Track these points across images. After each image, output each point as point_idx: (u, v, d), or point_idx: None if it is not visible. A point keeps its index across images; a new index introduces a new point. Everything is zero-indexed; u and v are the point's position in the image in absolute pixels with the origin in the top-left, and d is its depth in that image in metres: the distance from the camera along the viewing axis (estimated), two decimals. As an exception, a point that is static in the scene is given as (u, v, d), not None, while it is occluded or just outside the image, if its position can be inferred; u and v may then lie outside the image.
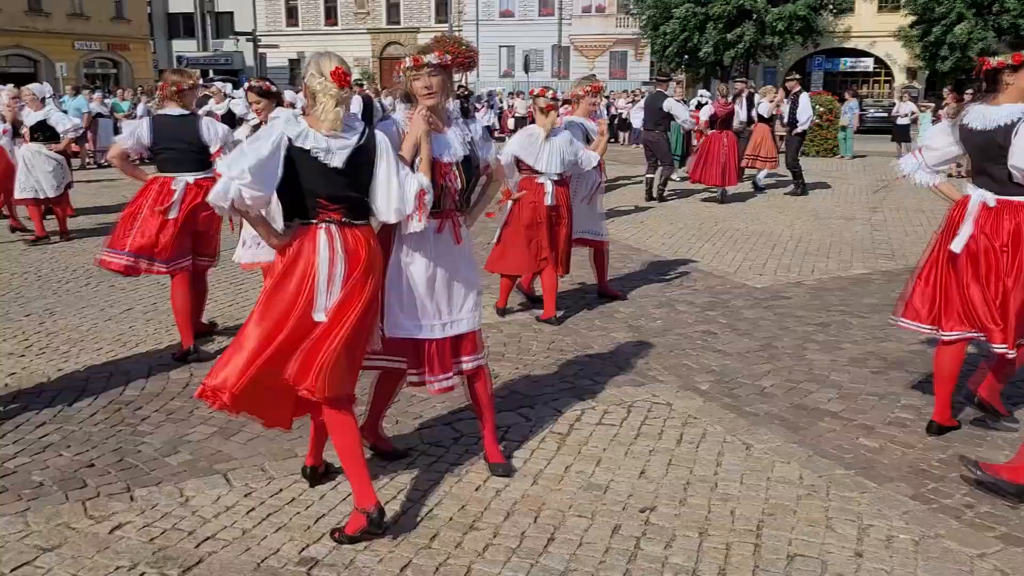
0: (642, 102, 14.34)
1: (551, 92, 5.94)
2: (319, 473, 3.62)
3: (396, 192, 3.12)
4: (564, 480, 3.67)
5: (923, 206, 11.75)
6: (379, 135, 3.18)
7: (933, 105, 20.16)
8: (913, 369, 5.04)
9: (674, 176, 13.86)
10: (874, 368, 5.11)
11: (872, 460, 3.86)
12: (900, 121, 19.87)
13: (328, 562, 3.02)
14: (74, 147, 17.42)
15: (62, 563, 2.99)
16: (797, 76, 14.74)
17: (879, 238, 9.58)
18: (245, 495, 3.50)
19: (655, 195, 12.58)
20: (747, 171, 14.22)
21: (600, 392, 4.71)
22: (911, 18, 34.12)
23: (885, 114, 26.50)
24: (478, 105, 27.02)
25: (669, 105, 12.28)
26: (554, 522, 3.32)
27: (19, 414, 4.35)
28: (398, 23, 47.40)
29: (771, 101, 13.84)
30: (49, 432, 4.13)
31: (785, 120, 13.73)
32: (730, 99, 13.17)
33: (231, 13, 47.98)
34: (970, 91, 17.33)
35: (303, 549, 3.10)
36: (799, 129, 13.54)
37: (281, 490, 3.55)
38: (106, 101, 18.72)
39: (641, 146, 15.00)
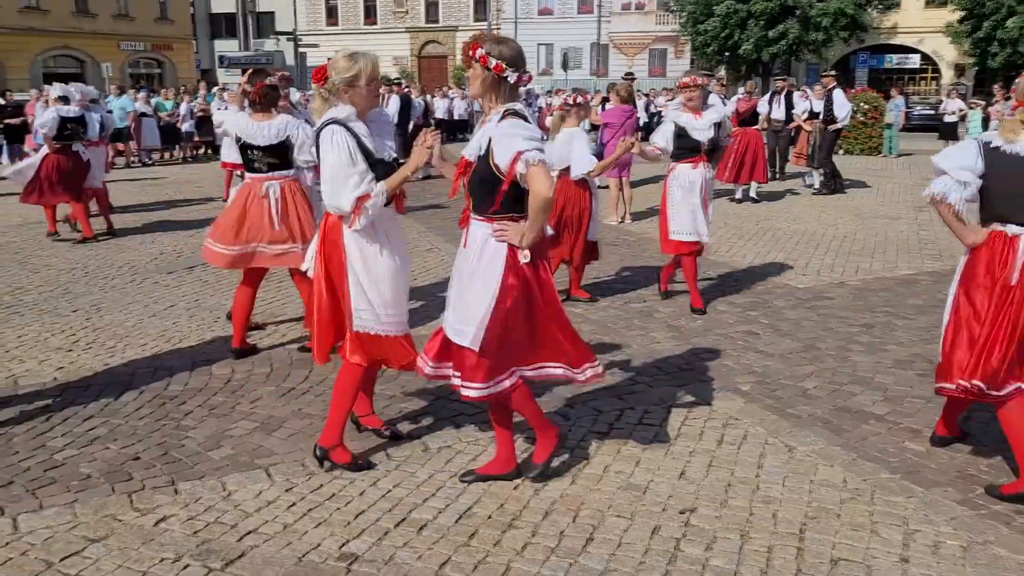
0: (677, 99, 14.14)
1: (571, 95, 6.47)
2: None
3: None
4: (603, 480, 3.65)
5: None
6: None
7: (983, 103, 19.70)
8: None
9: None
10: (920, 371, 5.01)
11: (918, 464, 3.78)
12: (947, 119, 19.48)
13: (368, 558, 3.04)
14: (119, 146, 17.85)
15: (109, 554, 3.05)
16: (833, 72, 14.49)
17: (925, 237, 9.39)
18: (286, 490, 3.54)
19: None
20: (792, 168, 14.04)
21: (640, 392, 4.68)
22: (960, 13, 33.40)
23: (932, 111, 25.99)
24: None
25: (711, 100, 12.17)
26: (593, 522, 3.30)
27: (67, 407, 4.45)
28: (437, 22, 47.58)
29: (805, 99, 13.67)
30: (96, 426, 4.21)
31: (821, 117, 13.46)
32: (755, 96, 13.00)
33: (272, 13, 48.52)
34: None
35: (343, 544, 3.13)
36: (838, 125, 13.29)
37: (322, 485, 3.58)
38: (151, 101, 19.05)
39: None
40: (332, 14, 49.05)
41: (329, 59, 3.57)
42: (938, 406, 4.43)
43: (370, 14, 48.59)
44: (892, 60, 40.15)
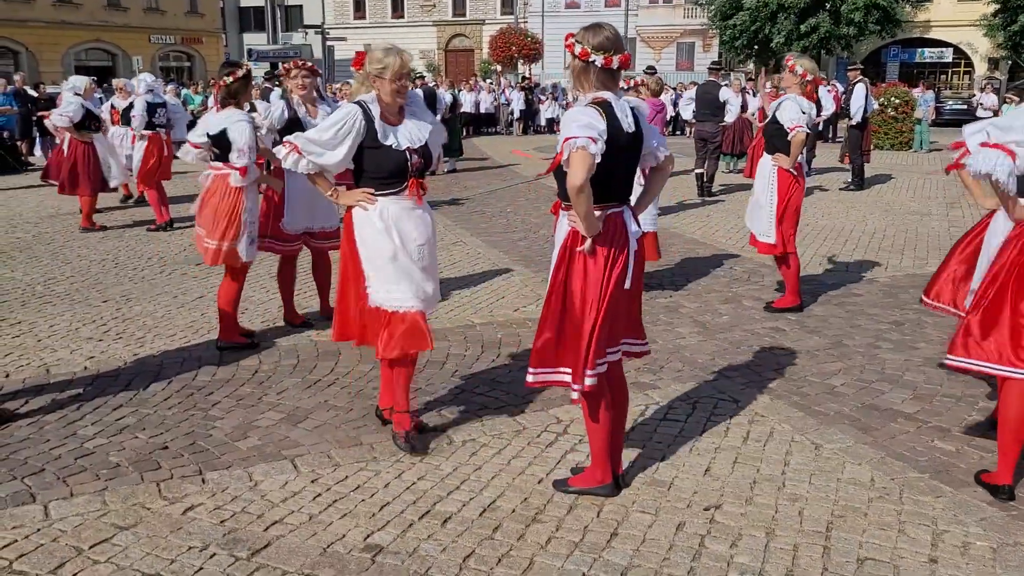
0: (692, 92, 13.86)
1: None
2: None
3: None
4: (627, 475, 3.64)
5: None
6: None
7: (1017, 98, 19.32)
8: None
9: (721, 169, 13.57)
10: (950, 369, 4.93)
11: (948, 464, 3.73)
12: (980, 113, 19.16)
13: (392, 549, 3.06)
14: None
15: (137, 542, 3.09)
16: (859, 66, 14.20)
17: (956, 234, 9.23)
18: (312, 481, 3.57)
19: (706, 192, 12.29)
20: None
21: (665, 388, 4.66)
22: (994, 6, 32.82)
23: (964, 106, 25.58)
24: (542, 97, 27.01)
25: (727, 95, 12.10)
26: (617, 517, 3.30)
27: (97, 397, 4.51)
28: (463, 15, 47.59)
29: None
30: (125, 415, 4.27)
31: (851, 112, 13.26)
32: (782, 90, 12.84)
33: (300, 7, 48.76)
34: None
35: (368, 536, 3.15)
36: (852, 121, 13.05)
37: (347, 477, 3.61)
38: (179, 93, 19.22)
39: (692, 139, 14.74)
40: (360, 8, 49.24)
41: (367, 47, 3.85)
42: (969, 405, 4.37)
43: (397, 8, 48.71)
44: (924, 54, 39.55)
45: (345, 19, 48.85)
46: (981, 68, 37.17)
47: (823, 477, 3.61)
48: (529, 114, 26.09)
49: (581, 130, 2.92)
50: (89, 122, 9.51)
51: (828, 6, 33.08)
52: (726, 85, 12.41)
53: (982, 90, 20.87)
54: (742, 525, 3.24)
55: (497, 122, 26.51)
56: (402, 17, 48.41)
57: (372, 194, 3.71)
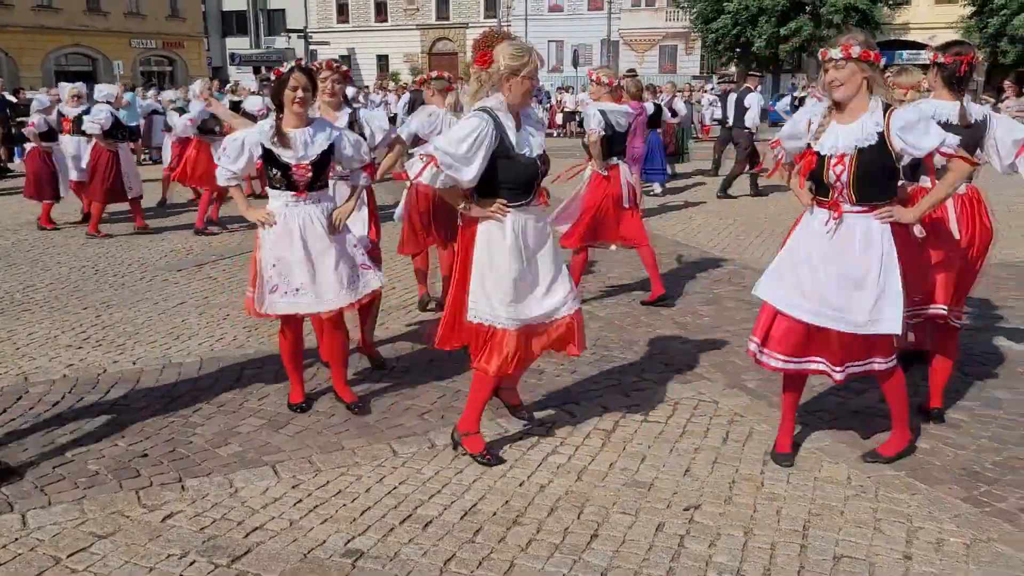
0: (733, 97, 13.68)
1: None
2: None
3: None
4: (608, 477, 3.66)
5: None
6: None
7: (992, 100, 19.52)
8: (968, 371, 4.91)
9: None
10: (922, 367, 4.97)
11: (923, 461, 3.77)
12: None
13: (373, 554, 3.06)
14: (131, 145, 17.92)
15: (116, 550, 3.08)
16: (757, 73, 14.11)
17: (935, 234, 9.33)
18: (293, 487, 3.57)
19: (726, 190, 12.50)
20: None
21: (646, 389, 4.68)
22: (970, 9, 33.15)
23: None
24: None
25: (752, 100, 12.27)
26: (598, 518, 3.32)
27: (76, 404, 4.49)
28: (447, 19, 47.58)
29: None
30: (105, 422, 4.25)
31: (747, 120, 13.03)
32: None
33: (283, 10, 48.62)
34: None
35: (349, 541, 3.15)
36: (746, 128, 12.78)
37: (328, 482, 3.61)
38: (160, 98, 19.10)
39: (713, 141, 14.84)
40: (343, 11, 49.10)
41: (482, 36, 3.70)
42: (945, 402, 4.41)
43: (381, 11, 48.62)
44: (903, 56, 39.88)
45: (328, 23, 48.72)
46: (959, 69, 37.54)
47: (801, 476, 3.64)
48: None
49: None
50: (118, 131, 9.54)
51: (808, 9, 33.29)
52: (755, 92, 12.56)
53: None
54: (721, 525, 3.26)
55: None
56: (385, 20, 48.33)
57: (505, 206, 3.53)
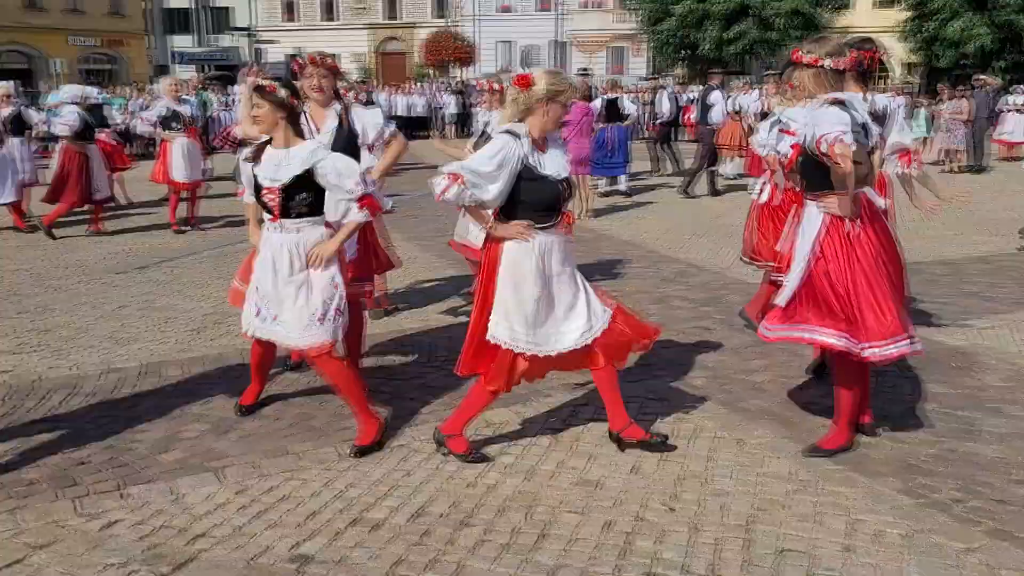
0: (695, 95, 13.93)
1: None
2: None
3: None
4: (557, 476, 3.68)
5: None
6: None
7: (926, 102, 20.10)
8: (904, 365, 5.04)
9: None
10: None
11: (863, 455, 3.86)
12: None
13: (320, 559, 3.03)
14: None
15: (53, 561, 3.00)
16: (718, 71, 14.33)
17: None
18: (237, 492, 3.51)
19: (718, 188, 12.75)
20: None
21: (593, 389, 4.67)
22: (908, 13, 34.08)
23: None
24: (476, 101, 27.00)
25: (715, 98, 12.46)
26: (546, 518, 3.33)
27: (12, 412, 4.36)
28: (396, 18, 47.28)
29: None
30: (42, 430, 4.13)
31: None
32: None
33: (229, 8, 47.81)
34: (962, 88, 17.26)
35: (294, 546, 3.11)
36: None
37: (273, 487, 3.56)
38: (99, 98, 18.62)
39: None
40: (290, 10, 48.48)
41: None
42: (884, 396, 4.53)
43: (329, 10, 48.12)
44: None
45: (275, 21, 48.07)
46: (897, 72, 38.52)
47: (746, 472, 3.70)
48: (463, 117, 26.06)
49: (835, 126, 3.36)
50: (87, 132, 9.43)
51: (752, 13, 33.87)
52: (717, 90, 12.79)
53: (898, 94, 21.61)
54: (668, 522, 3.30)
55: (430, 126, 26.43)
56: (334, 20, 47.85)
57: (530, 225, 3.56)
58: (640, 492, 3.53)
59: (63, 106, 9.46)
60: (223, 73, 36.47)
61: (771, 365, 5.11)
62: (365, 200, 3.77)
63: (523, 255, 3.56)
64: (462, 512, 3.37)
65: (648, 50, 41.11)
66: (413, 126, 25.55)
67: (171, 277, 7.40)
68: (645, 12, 36.81)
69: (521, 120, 3.56)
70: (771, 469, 3.72)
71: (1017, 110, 17.49)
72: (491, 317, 3.61)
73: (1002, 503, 3.41)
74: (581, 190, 10.67)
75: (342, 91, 5.11)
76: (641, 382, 4.79)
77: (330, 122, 4.56)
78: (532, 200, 3.55)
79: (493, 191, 3.47)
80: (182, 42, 47.57)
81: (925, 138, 18.02)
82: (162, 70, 41.58)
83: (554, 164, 3.61)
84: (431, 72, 36.44)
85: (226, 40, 47.60)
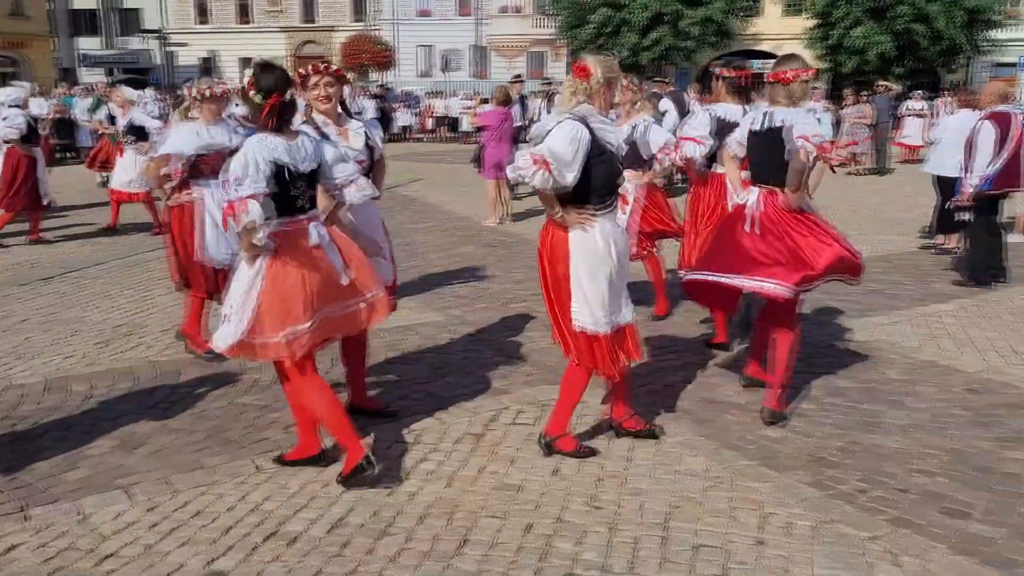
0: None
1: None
2: None
3: None
4: (478, 481, 3.68)
5: (827, 202, 12.16)
6: None
7: (834, 107, 20.84)
8: (812, 361, 5.23)
9: None
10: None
11: (774, 450, 3.99)
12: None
13: (236, 575, 2.96)
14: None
15: (-52, 589, 2.85)
16: (665, 79, 14.69)
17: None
18: (148, 510, 3.40)
19: None
20: None
21: (515, 392, 4.74)
22: (814, 21, 35.29)
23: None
24: (396, 105, 26.85)
25: (666, 105, 12.53)
26: (467, 524, 3.33)
27: (-97, 434, 4.13)
28: (313, 21, 46.59)
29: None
30: (-64, 452, 3.93)
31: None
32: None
33: (138, 10, 46.33)
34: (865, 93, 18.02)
35: (209, 563, 3.04)
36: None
37: (187, 503, 3.46)
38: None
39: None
40: (203, 12, 47.25)
41: (580, 60, 3.73)
42: (795, 391, 4.68)
43: (244, 12, 47.08)
44: (755, 65, 42.02)
45: (187, 24, 46.78)
46: (806, 78, 39.89)
47: (663, 470, 3.78)
48: (383, 122, 25.85)
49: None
50: (33, 136, 9.20)
51: (668, 21, 34.56)
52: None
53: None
54: (588, 522, 3.34)
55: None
56: (249, 22, 46.85)
57: (592, 213, 3.65)
58: (560, 494, 3.56)
59: (5, 109, 9.15)
60: (132, 76, 35.40)
61: (686, 365, 5.22)
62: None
63: (592, 242, 3.66)
64: (382, 521, 3.34)
65: (567, 55, 41.54)
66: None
67: (77, 288, 7.13)
68: (563, 18, 37.19)
69: (594, 102, 3.70)
70: (687, 467, 3.81)
71: (917, 115, 18.32)
72: (573, 307, 3.72)
73: (904, 492, 3.57)
74: (502, 194, 10.72)
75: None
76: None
77: (358, 141, 4.20)
78: (598, 181, 3.65)
79: (572, 174, 3.57)
80: (89, 44, 45.89)
81: (832, 142, 18.68)
82: (67, 73, 39.99)
83: (614, 138, 3.77)
84: (350, 76, 35.99)
85: (135, 43, 46.11)
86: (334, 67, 4.18)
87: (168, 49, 43.96)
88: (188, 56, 45.66)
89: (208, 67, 44.58)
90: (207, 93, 5.16)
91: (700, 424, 4.31)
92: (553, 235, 3.74)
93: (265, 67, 3.48)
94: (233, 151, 4.18)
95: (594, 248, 3.66)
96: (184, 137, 5.12)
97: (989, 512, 3.41)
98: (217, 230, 5.08)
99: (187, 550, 3.12)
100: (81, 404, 4.53)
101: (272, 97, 3.39)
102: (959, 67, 34.62)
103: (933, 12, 30.36)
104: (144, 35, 45.56)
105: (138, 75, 38.62)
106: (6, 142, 8.98)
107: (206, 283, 5.22)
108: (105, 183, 11.84)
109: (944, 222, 8.53)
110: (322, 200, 3.72)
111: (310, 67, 4.11)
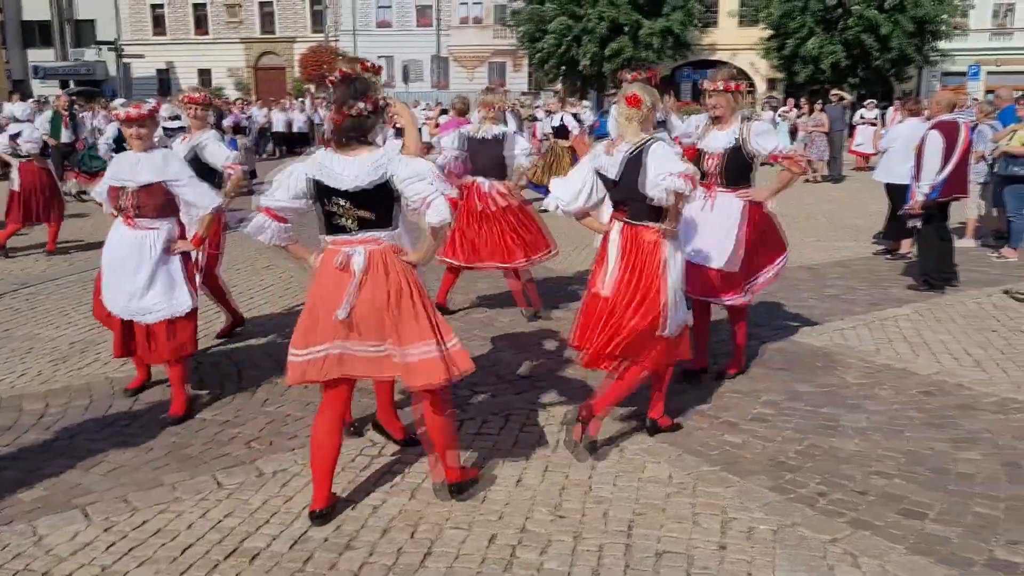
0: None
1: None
2: None
3: None
4: (441, 492, 3.66)
5: (785, 210, 12.36)
6: None
7: (791, 116, 21.21)
8: (772, 366, 5.31)
9: None
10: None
11: (735, 455, 4.03)
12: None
13: (195, 593, 2.92)
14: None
15: None
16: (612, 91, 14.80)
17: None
18: (105, 529, 3.34)
19: None
20: None
21: (478, 403, 4.73)
22: (768, 32, 35.89)
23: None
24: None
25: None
26: (431, 536, 3.32)
27: None
28: (273, 32, 46.22)
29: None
30: None
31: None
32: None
33: (92, 21, 45.58)
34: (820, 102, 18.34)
35: (168, 582, 2.99)
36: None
37: (145, 522, 3.41)
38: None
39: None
40: (159, 23, 46.61)
41: (631, 91, 3.94)
42: (753, 398, 4.75)
43: (201, 23, 46.55)
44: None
45: (143, 35, 46.12)
46: (761, 88, 40.52)
47: (626, 478, 3.80)
48: (344, 133, 25.71)
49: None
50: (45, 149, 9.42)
51: (627, 31, 34.91)
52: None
53: (762, 108, 22.75)
54: (551, 531, 3.34)
55: (311, 141, 25.98)
56: (206, 33, 46.34)
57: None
58: (524, 504, 3.56)
59: (18, 124, 9.30)
60: (86, 88, 34.82)
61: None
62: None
63: (678, 251, 4.02)
64: (345, 535, 3.32)
65: (528, 65, 41.73)
66: (294, 142, 25.10)
67: (31, 305, 6.98)
68: (523, 29, 37.37)
69: (643, 129, 3.94)
70: (650, 474, 3.84)
71: (870, 123, 18.70)
72: (669, 314, 3.91)
73: (862, 494, 3.63)
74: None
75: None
76: (524, 395, 4.85)
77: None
78: None
79: None
80: (42, 56, 45.00)
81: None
82: (18, 85, 39.19)
83: None
84: (311, 87, 35.74)
85: (90, 54, 45.34)
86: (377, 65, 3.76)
87: (124, 61, 43.26)
88: (145, 68, 45.03)
89: (165, 78, 44.06)
90: (122, 115, 4.44)
91: (665, 431, 4.33)
92: (647, 247, 3.92)
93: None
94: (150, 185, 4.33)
95: (680, 257, 4.03)
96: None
97: (944, 512, 3.48)
98: (117, 274, 4.49)
99: (146, 570, 3.06)
100: (36, 422, 4.44)
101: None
102: (910, 77, 35.40)
103: (880, 19, 31.02)
104: (99, 47, 44.82)
105: (92, 87, 37.97)
106: (27, 156, 9.09)
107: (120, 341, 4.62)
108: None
109: (893, 228, 8.73)
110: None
111: (362, 63, 3.55)
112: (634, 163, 3.85)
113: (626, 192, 3.93)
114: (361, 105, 3.21)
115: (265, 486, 3.72)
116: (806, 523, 3.37)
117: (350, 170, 3.21)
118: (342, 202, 3.23)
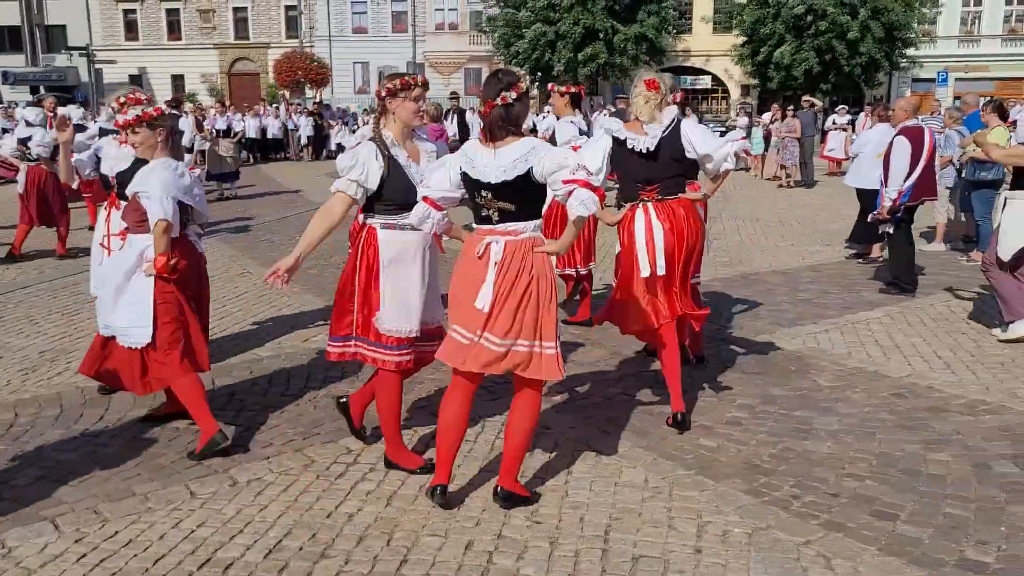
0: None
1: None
2: None
3: None
4: (418, 500, 3.65)
5: (759, 215, 12.49)
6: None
7: (762, 121, 21.39)
8: (747, 370, 5.34)
9: None
10: (710, 372, 5.36)
11: (710, 459, 4.06)
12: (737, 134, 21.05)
13: (168, 605, 2.89)
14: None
15: None
16: (623, 95, 15.08)
17: (719, 246, 10.08)
18: (76, 541, 3.29)
19: None
20: None
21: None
22: (742, 39, 36.26)
23: (724, 129, 27.99)
24: (332, 122, 26.63)
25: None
26: (407, 543, 3.30)
27: None
28: (247, 38, 45.99)
29: None
30: None
31: None
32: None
33: (64, 26, 45.09)
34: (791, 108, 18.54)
35: (140, 593, 2.95)
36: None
37: (117, 532, 3.36)
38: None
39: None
40: (131, 28, 46.21)
41: (651, 78, 4.41)
42: (728, 402, 4.78)
43: (174, 29, 46.21)
44: (687, 81, 42.94)
45: (115, 40, 45.69)
46: (735, 94, 40.88)
47: (602, 483, 3.81)
48: (319, 139, 25.62)
49: None
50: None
51: (602, 37, 35.10)
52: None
53: (738, 115, 22.95)
54: (528, 537, 3.34)
55: (286, 148, 25.84)
56: (180, 39, 46.00)
57: None
58: (501, 510, 3.55)
59: (29, 127, 9.34)
60: (57, 95, 34.39)
61: (624, 377, 5.28)
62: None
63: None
64: (320, 544, 3.29)
65: (504, 72, 41.79)
66: (268, 148, 24.94)
67: (1, 312, 6.88)
68: (499, 34, 37.46)
69: (660, 111, 4.38)
70: (626, 478, 3.85)
71: (841, 129, 18.93)
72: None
73: (835, 496, 3.66)
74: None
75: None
76: (499, 402, 4.83)
77: (426, 162, 3.80)
78: None
79: None
80: (13, 61, 44.46)
81: (763, 154, 19.24)
82: (-12, 91, 38.66)
83: None
84: (285, 93, 35.56)
85: (62, 60, 44.84)
86: (421, 76, 3.79)
87: (96, 66, 42.77)
88: (117, 73, 44.53)
89: (138, 84, 43.60)
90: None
91: (638, 435, 4.35)
92: (689, 213, 4.43)
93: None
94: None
95: None
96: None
97: (916, 513, 3.52)
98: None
99: (117, 581, 3.02)
100: (4, 432, 4.37)
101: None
102: (880, 83, 35.89)
103: (849, 24, 31.43)
104: (70, 52, 44.35)
105: (63, 92, 37.55)
106: (37, 160, 9.14)
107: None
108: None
109: (863, 232, 8.84)
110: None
111: (399, 81, 3.64)
112: (671, 138, 4.34)
113: (662, 169, 4.35)
114: (513, 95, 3.27)
115: (239, 495, 3.69)
116: (780, 526, 3.40)
117: (495, 163, 3.28)
118: (485, 193, 3.31)
